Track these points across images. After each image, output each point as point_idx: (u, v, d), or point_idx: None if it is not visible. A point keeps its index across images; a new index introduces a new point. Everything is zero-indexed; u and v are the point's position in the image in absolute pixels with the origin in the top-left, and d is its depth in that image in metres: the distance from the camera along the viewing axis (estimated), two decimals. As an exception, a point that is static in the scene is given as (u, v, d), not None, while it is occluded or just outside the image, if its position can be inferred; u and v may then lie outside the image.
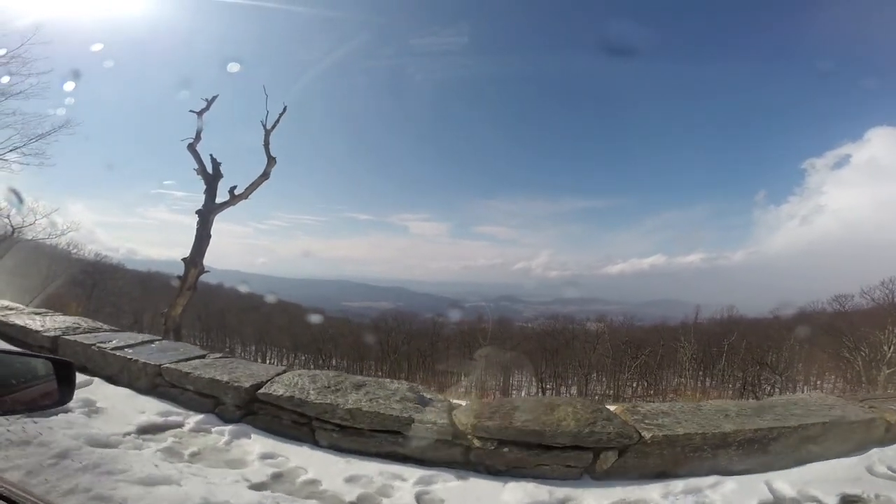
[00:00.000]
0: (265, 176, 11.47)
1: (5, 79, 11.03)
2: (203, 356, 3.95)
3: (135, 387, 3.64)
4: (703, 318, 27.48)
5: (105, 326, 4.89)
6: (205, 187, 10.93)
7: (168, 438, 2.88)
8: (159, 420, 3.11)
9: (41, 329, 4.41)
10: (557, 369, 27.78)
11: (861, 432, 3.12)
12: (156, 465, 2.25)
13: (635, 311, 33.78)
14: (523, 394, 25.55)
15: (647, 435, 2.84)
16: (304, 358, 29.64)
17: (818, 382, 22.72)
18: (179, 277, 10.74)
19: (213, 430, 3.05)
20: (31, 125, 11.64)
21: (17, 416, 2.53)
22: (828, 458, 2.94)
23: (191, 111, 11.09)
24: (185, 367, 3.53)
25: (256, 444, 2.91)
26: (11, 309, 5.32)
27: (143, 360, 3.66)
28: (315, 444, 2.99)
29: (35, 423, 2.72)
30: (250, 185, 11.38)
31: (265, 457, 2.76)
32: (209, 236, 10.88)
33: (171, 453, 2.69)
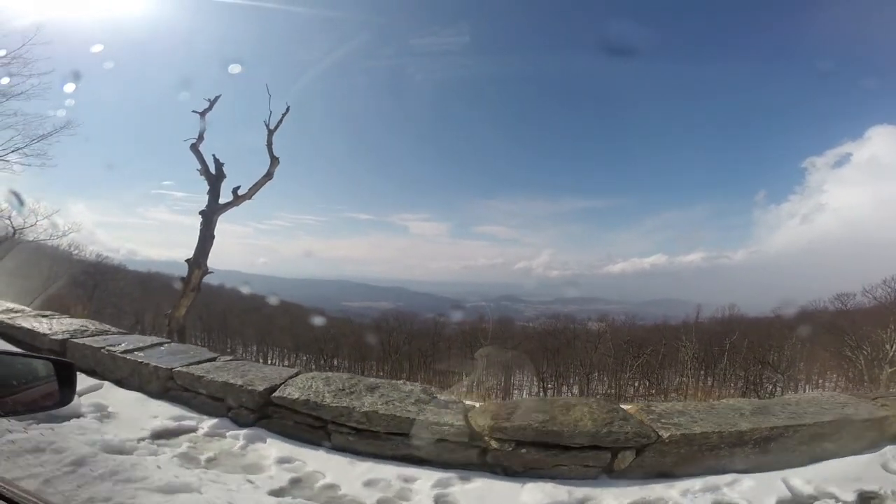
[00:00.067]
0: (269, 176, 11.42)
1: (5, 80, 10.98)
2: (213, 359, 3.93)
3: (146, 391, 3.62)
4: (704, 317, 27.49)
5: (113, 329, 4.87)
6: (208, 188, 10.88)
7: (183, 444, 2.86)
8: (173, 425, 3.09)
9: (49, 332, 4.38)
10: (559, 369, 27.76)
11: (875, 430, 3.16)
12: (176, 476, 2.22)
13: (636, 310, 33.78)
14: (525, 393, 25.53)
15: (664, 434, 2.85)
16: (305, 358, 29.59)
17: (820, 381, 22.75)
18: (182, 279, 10.70)
19: (227, 434, 3.03)
20: (33, 126, 11.58)
21: (21, 417, 2.51)
22: (842, 456, 2.97)
23: (193, 111, 11.04)
24: (197, 370, 3.51)
25: (272, 448, 2.90)
26: (17, 312, 5.29)
27: (154, 364, 3.64)
28: (331, 447, 2.98)
29: (49, 428, 2.70)
30: (254, 186, 11.33)
31: (282, 461, 2.74)
32: (213, 237, 10.84)
33: (188, 459, 2.67)
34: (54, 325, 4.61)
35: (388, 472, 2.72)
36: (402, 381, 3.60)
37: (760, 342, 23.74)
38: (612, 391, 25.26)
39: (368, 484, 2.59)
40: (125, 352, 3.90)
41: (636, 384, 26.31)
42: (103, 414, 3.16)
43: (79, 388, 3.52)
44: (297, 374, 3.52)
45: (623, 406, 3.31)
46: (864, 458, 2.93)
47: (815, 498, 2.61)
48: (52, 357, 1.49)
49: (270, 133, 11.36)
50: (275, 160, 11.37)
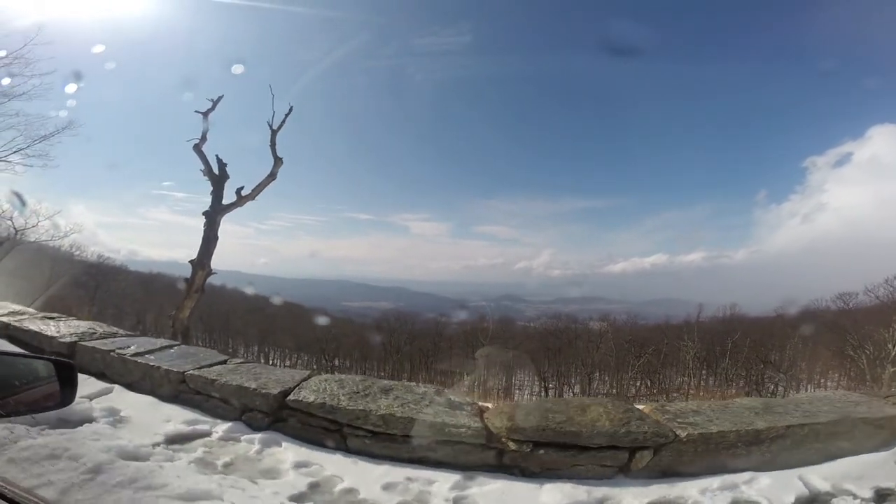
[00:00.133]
0: (272, 177, 11.35)
1: (7, 80, 10.93)
2: (224, 361, 3.91)
3: (157, 394, 3.60)
4: (705, 316, 27.52)
5: (121, 332, 4.84)
6: (211, 188, 10.81)
7: (198, 448, 2.83)
8: (186, 429, 3.07)
9: (57, 335, 4.36)
10: (560, 368, 27.77)
11: (888, 428, 3.17)
12: (195, 483, 2.20)
13: (637, 309, 33.82)
14: (526, 393, 25.54)
15: (682, 433, 2.86)
16: (306, 358, 29.56)
17: (822, 381, 22.77)
18: (186, 280, 10.65)
19: (242, 438, 3.01)
20: (35, 127, 11.54)
21: (24, 417, 2.48)
22: (857, 454, 2.99)
23: (196, 112, 10.96)
24: (209, 373, 3.49)
25: (288, 452, 2.87)
26: (24, 314, 5.27)
27: (165, 367, 3.62)
28: (347, 450, 2.96)
29: (62, 434, 2.68)
30: (257, 186, 11.26)
31: (299, 465, 2.72)
32: (216, 238, 10.77)
33: (204, 464, 2.64)
34: (62, 328, 4.58)
35: (406, 474, 2.70)
36: (414, 384, 3.59)
37: (762, 342, 23.78)
38: (614, 391, 25.25)
39: (387, 487, 2.58)
40: (135, 355, 3.88)
41: (638, 384, 26.31)
42: (116, 419, 3.14)
43: (89, 391, 3.56)
44: (309, 377, 3.50)
45: (637, 406, 3.32)
46: (879, 456, 2.96)
47: (833, 495, 2.63)
48: (52, 357, 1.49)
49: (274, 133, 11.29)
50: (278, 160, 11.31)
